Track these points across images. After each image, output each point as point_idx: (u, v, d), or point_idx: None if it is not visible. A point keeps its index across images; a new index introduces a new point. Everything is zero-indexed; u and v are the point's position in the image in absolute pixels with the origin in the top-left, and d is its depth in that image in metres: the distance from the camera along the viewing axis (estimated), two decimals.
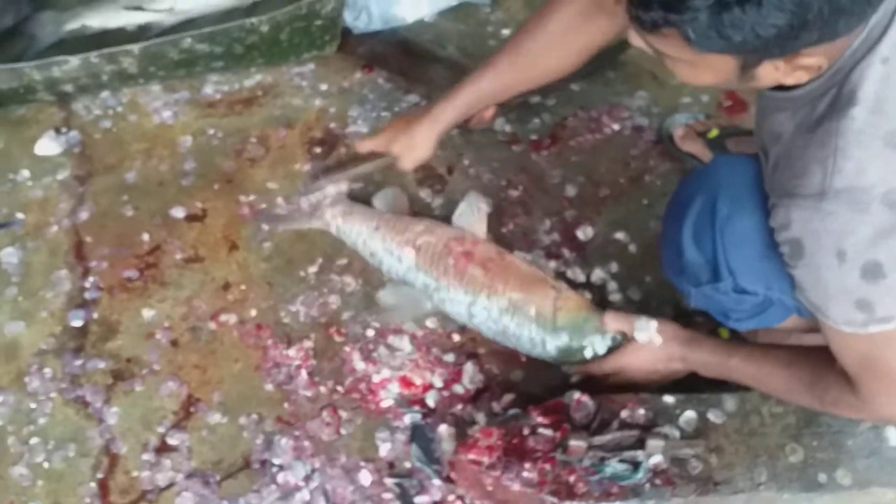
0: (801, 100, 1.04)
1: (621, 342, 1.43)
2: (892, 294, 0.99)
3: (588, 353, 1.45)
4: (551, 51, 1.37)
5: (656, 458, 1.29)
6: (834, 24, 0.87)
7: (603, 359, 1.44)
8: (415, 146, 1.53)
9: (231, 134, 1.85)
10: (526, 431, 1.33)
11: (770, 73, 0.96)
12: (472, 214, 1.62)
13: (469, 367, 1.52)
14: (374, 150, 1.60)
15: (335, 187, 1.69)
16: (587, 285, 1.65)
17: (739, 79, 0.97)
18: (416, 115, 1.54)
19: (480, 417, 1.46)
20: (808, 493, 1.29)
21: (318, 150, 1.84)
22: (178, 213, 1.72)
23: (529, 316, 1.47)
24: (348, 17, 1.96)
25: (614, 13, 1.21)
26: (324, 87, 1.94)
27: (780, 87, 1.05)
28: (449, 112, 1.48)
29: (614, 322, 1.43)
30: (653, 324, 1.37)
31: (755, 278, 1.22)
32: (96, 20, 1.92)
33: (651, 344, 1.37)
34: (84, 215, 1.71)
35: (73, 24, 1.91)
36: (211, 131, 1.86)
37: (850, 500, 1.32)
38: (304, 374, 1.52)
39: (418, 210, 1.74)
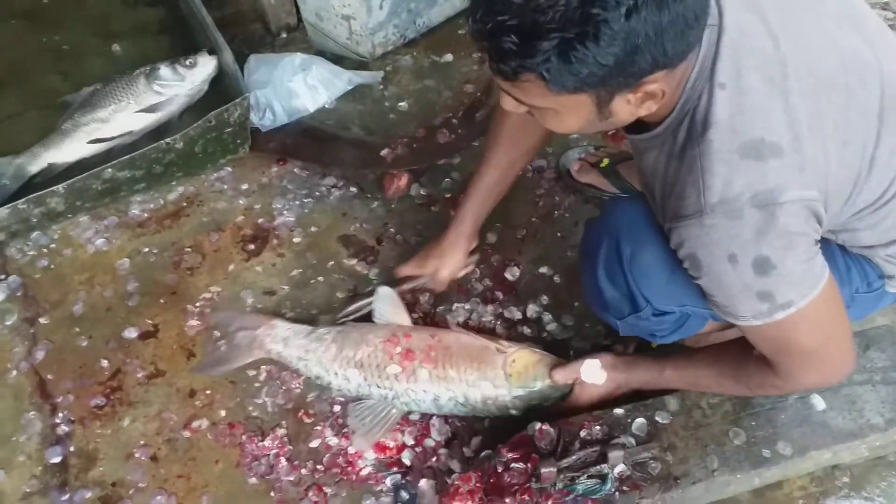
0: (662, 135, 1.14)
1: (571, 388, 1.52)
2: (786, 281, 1.08)
3: (547, 403, 1.54)
4: (526, 130, 1.49)
5: (620, 468, 1.37)
6: (661, 45, 0.95)
7: (561, 405, 1.53)
8: (447, 256, 1.64)
9: (165, 248, 1.88)
10: (500, 469, 1.40)
11: (624, 107, 1.04)
12: (389, 307, 1.64)
13: (435, 421, 1.58)
14: (411, 274, 1.68)
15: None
16: (524, 320, 1.74)
17: (599, 117, 1.05)
18: (441, 233, 1.66)
19: (455, 465, 1.52)
20: (758, 469, 1.39)
21: (251, 246, 1.88)
22: (131, 333, 1.73)
23: (488, 391, 1.53)
24: (254, 118, 2.02)
25: None
26: (244, 186, 2.00)
27: (642, 129, 1.15)
28: (468, 215, 1.61)
29: (562, 376, 1.51)
30: (595, 363, 1.48)
31: (668, 300, 1.32)
32: (60, 157, 1.94)
33: (599, 380, 1.47)
34: (40, 354, 1.71)
35: (36, 167, 1.92)
36: (146, 249, 1.88)
37: (795, 468, 1.44)
38: (283, 461, 1.55)
39: (355, 285, 1.80)
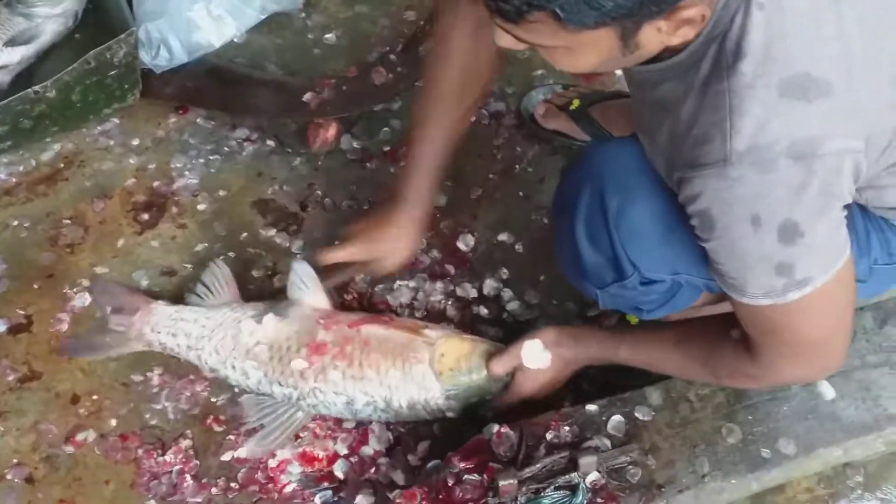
0: (682, 65, 1.09)
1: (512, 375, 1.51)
2: (811, 253, 1.07)
3: (488, 396, 1.52)
4: (472, 73, 1.44)
5: (592, 476, 1.35)
6: None
7: (504, 395, 1.51)
8: (401, 241, 1.55)
9: (39, 220, 1.83)
10: (451, 482, 1.38)
11: (653, 37, 1.00)
12: (306, 287, 1.60)
13: (375, 426, 1.56)
14: (345, 260, 1.59)
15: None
16: (481, 299, 1.72)
17: (623, 52, 1.01)
18: (385, 208, 1.56)
19: (399, 476, 1.50)
20: (756, 472, 1.39)
21: (145, 216, 1.83)
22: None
23: (415, 394, 1.50)
24: (146, 58, 1.95)
25: None
26: (135, 141, 1.94)
27: (653, 59, 1.11)
28: (418, 191, 1.52)
29: (501, 366, 1.50)
30: (536, 343, 1.46)
31: (659, 266, 1.30)
32: None
33: (544, 363, 1.46)
34: None
35: None
36: (15, 222, 1.83)
37: (799, 468, 1.44)
38: (188, 478, 1.52)
39: (274, 261, 1.76)
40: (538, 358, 1.45)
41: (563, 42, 0.98)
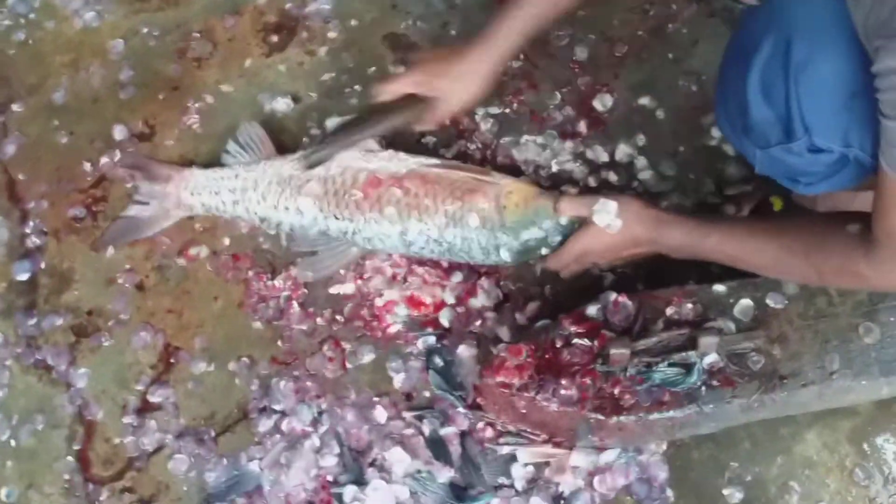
0: None
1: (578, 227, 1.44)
2: None
3: (545, 249, 1.48)
4: None
5: (711, 357, 1.31)
6: None
7: (560, 248, 1.45)
8: (466, 79, 1.43)
9: (169, 30, 1.81)
10: (559, 344, 1.35)
11: None
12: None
13: (484, 281, 1.54)
14: (401, 95, 1.47)
15: (345, 153, 1.52)
16: (612, 164, 1.65)
17: None
18: (460, 46, 1.45)
19: (504, 333, 1.48)
20: (889, 377, 1.32)
21: (274, 38, 1.80)
22: (121, 133, 1.70)
23: (474, 225, 1.46)
24: None
25: None
26: None
27: None
28: (507, 31, 1.40)
29: (570, 208, 1.44)
30: (612, 205, 1.38)
31: (833, 133, 1.19)
32: None
33: (611, 228, 1.39)
34: (11, 149, 1.69)
35: None
36: (145, 30, 1.82)
37: None
38: (295, 305, 1.54)
39: None
40: (607, 217, 1.38)
41: None
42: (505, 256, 1.48)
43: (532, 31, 1.43)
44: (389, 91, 1.47)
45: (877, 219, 1.13)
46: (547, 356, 1.35)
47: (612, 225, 1.38)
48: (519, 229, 1.46)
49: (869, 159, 1.18)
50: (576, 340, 1.35)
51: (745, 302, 1.36)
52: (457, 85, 1.44)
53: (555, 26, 1.77)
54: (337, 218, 1.50)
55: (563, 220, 1.45)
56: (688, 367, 1.31)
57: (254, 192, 1.54)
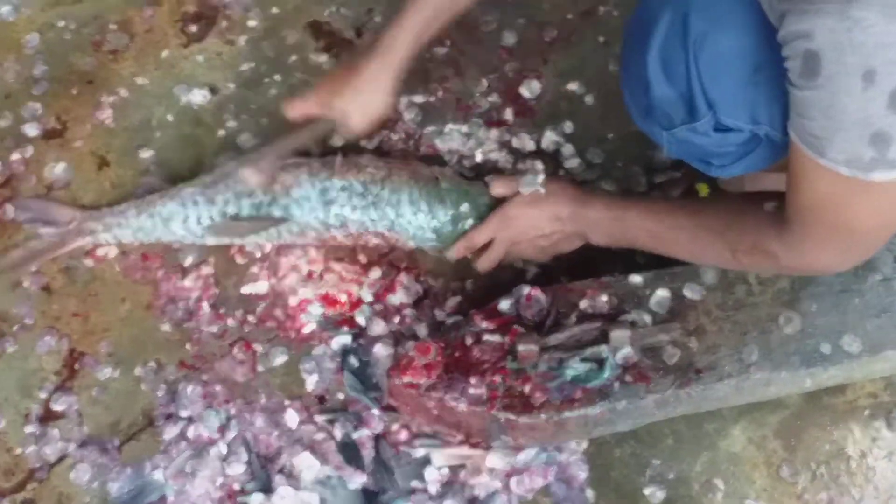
0: None
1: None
2: None
3: (473, 221, 1.46)
4: None
5: (625, 351, 1.28)
6: None
7: (483, 222, 1.44)
8: (366, 94, 1.38)
9: (86, 23, 1.77)
10: (469, 341, 1.32)
11: None
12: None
13: (403, 277, 1.51)
14: (308, 115, 1.43)
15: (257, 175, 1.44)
16: (538, 152, 1.61)
17: None
18: (358, 58, 1.40)
19: (423, 330, 1.44)
20: (810, 368, 1.28)
21: (193, 28, 1.76)
22: (32, 130, 1.66)
23: (406, 184, 1.46)
24: None
25: None
26: None
27: None
28: (403, 38, 1.36)
29: (501, 187, 1.44)
30: (540, 177, 1.41)
31: (738, 109, 1.16)
32: None
33: (537, 192, 1.40)
34: None
35: None
36: (61, 23, 1.77)
37: (863, 369, 1.33)
38: (206, 306, 1.50)
39: None
40: (534, 185, 1.40)
41: None
42: (438, 224, 1.46)
43: (430, 33, 1.39)
44: (295, 111, 1.43)
45: (788, 195, 1.11)
46: (457, 354, 1.31)
47: (537, 189, 1.40)
48: (452, 197, 1.46)
49: (781, 136, 1.14)
50: (486, 337, 1.31)
51: (662, 293, 1.33)
52: (357, 101, 1.38)
53: (481, 11, 1.73)
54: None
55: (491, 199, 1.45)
56: (600, 363, 1.27)
57: (149, 205, 1.51)
